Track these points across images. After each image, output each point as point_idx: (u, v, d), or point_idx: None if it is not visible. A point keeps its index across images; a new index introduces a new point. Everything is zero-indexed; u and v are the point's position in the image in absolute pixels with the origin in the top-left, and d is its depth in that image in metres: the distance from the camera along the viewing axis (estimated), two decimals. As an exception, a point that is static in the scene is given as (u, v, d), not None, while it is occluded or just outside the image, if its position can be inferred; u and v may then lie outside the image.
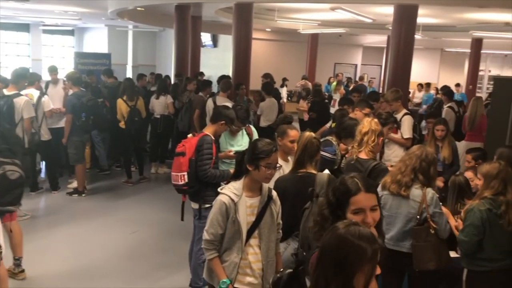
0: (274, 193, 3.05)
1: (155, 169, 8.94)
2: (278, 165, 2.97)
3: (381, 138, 4.07)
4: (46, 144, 7.08)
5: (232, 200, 2.87)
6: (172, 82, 10.96)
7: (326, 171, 3.44)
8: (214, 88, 10.06)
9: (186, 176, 4.15)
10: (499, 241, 3.24)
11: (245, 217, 2.89)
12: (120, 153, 8.77)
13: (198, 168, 4.17)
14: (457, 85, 15.99)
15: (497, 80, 6.83)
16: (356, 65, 23.12)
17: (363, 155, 3.96)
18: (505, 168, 3.29)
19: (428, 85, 16.12)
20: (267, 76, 9.45)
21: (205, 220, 4.26)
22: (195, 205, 4.36)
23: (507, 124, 6.10)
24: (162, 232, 6.08)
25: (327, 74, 19.49)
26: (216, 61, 17.96)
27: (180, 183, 4.18)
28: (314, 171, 3.38)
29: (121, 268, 5.09)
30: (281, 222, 3.13)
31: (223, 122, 4.39)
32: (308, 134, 3.49)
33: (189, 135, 4.42)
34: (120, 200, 7.36)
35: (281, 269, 2.78)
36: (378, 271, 1.76)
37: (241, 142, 4.90)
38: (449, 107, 8.55)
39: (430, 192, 3.40)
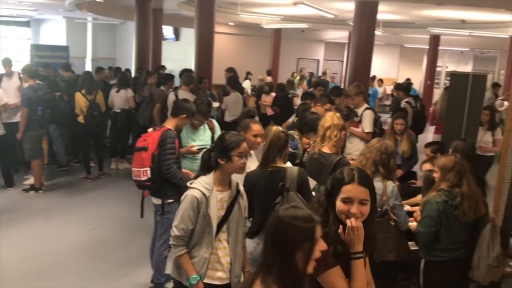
0: (241, 187, 3.04)
1: (115, 164, 8.77)
2: (248, 154, 2.98)
3: (343, 132, 4.13)
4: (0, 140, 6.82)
5: (204, 194, 2.84)
6: (133, 75, 10.76)
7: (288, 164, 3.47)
8: (177, 82, 9.95)
9: (149, 172, 4.08)
10: (454, 231, 3.34)
11: (216, 212, 2.87)
12: (79, 148, 8.56)
13: (161, 163, 4.10)
14: (407, 79, 16.29)
15: (453, 76, 7.04)
16: (318, 61, 23.35)
17: (326, 149, 4.00)
18: (461, 161, 3.39)
19: (373, 78, 16.35)
20: (230, 70, 9.41)
21: (168, 215, 4.26)
22: (157, 201, 4.29)
23: (463, 118, 6.30)
24: (123, 228, 5.97)
25: (290, 69, 19.59)
26: (178, 54, 17.73)
27: (143, 178, 4.11)
28: (283, 165, 3.38)
29: (82, 266, 4.97)
30: (247, 216, 3.11)
31: (184, 115, 4.33)
32: (276, 128, 3.47)
33: (150, 130, 4.34)
34: (79, 196, 7.17)
35: None
36: (323, 246, 1.86)
37: (203, 137, 4.85)
38: (407, 102, 8.84)
39: (390, 185, 3.48)
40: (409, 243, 3.74)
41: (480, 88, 6.55)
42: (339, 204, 2.05)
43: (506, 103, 10.33)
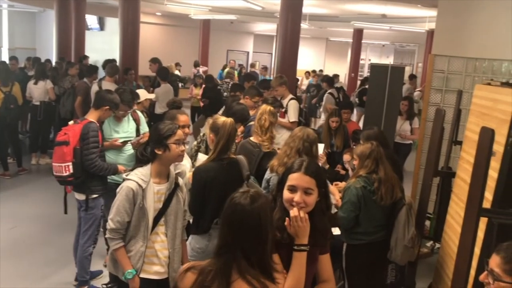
0: (181, 180, 3.00)
1: (35, 160, 8.35)
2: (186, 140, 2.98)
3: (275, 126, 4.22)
4: None
5: (140, 186, 2.78)
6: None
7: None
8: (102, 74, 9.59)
9: (70, 167, 3.94)
10: (373, 216, 3.51)
11: (152, 204, 2.81)
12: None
13: (84, 157, 3.97)
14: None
15: (373, 67, 7.35)
16: (248, 53, 23.49)
17: (254, 140, 4.08)
18: (377, 148, 3.57)
19: (313, 72, 16.87)
20: (155, 60, 9.18)
21: (92, 211, 4.16)
22: (80, 196, 4.16)
23: (383, 108, 6.60)
24: (45, 226, 5.71)
25: (220, 60, 19.56)
26: (103, 45, 17.15)
27: (64, 174, 3.96)
28: (233, 156, 3.37)
29: (0, 267, 4.69)
30: (187, 209, 3.08)
31: (106, 107, 4.19)
32: (231, 120, 3.39)
33: (70, 123, 4.16)
34: (-4, 194, 6.76)
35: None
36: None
37: (127, 128, 4.70)
38: (329, 93, 9.22)
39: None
40: (332, 228, 3.88)
41: (399, 80, 6.89)
42: (285, 193, 2.07)
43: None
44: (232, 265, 1.74)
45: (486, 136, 2.87)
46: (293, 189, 2.05)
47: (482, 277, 1.82)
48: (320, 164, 5.09)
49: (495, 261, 1.76)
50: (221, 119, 3.43)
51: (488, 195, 3.09)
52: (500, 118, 3.29)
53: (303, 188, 2.04)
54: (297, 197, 2.03)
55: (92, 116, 4.15)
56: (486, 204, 3.06)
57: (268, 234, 1.82)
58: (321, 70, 17.78)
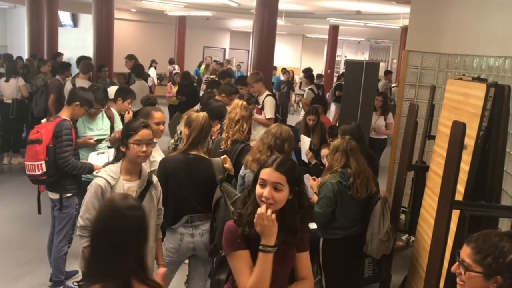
0: (155, 178, 2.96)
1: (7, 159, 8.16)
2: (153, 141, 2.88)
3: (250, 121, 4.18)
4: None
5: (109, 183, 2.76)
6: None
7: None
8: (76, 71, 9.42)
9: (44, 165, 3.87)
10: (349, 210, 3.55)
11: None
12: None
13: (57, 156, 3.90)
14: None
15: (348, 63, 7.43)
16: (224, 49, 23.41)
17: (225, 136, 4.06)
18: (348, 142, 3.60)
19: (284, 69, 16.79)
20: (131, 57, 9.06)
21: (66, 210, 4.10)
22: (54, 195, 4.09)
23: (358, 103, 6.67)
24: (17, 226, 5.59)
25: (196, 57, 19.48)
26: (77, 42, 16.88)
27: (37, 173, 3.88)
28: (204, 155, 3.32)
29: (-30, 270, 4.59)
30: (162, 208, 3.05)
31: (77, 103, 4.11)
32: (204, 114, 3.39)
33: (43, 121, 4.09)
34: (-34, 195, 6.59)
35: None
36: None
37: (101, 126, 4.64)
38: (310, 89, 9.26)
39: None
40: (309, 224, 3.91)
41: (373, 75, 6.98)
42: (257, 188, 2.06)
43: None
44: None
45: (458, 129, 2.92)
46: (263, 184, 2.04)
47: (454, 268, 1.85)
48: (306, 159, 5.14)
49: (465, 252, 1.80)
50: (200, 114, 3.43)
51: (460, 187, 3.15)
52: (471, 112, 3.36)
53: (272, 183, 2.02)
54: (265, 192, 2.01)
55: (65, 114, 4.08)
56: (458, 196, 3.12)
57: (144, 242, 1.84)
58: (285, 68, 17.56)
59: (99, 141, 4.50)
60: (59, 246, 4.14)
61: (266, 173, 2.05)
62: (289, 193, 2.06)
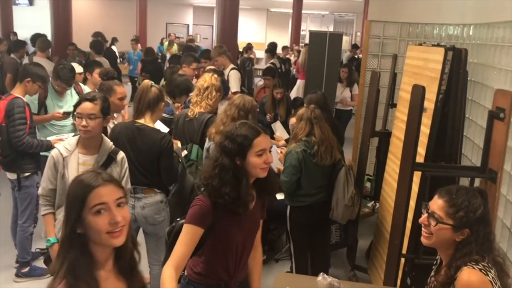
0: (120, 155, 2.89)
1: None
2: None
3: (219, 93, 4.10)
4: None
5: (61, 154, 2.76)
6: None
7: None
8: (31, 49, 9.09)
9: None
10: (314, 178, 3.60)
11: (75, 174, 2.69)
12: None
13: (11, 135, 3.78)
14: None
15: (312, 34, 7.41)
16: (188, 25, 23.02)
17: (198, 109, 3.97)
18: (312, 110, 3.62)
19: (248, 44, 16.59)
20: (97, 35, 8.83)
21: (26, 190, 4.01)
22: (12, 176, 3.99)
23: (323, 74, 6.71)
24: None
25: (159, 34, 19.07)
26: (33, 21, 16.17)
27: None
28: (151, 124, 3.29)
29: None
30: (129, 186, 3.00)
31: (28, 79, 3.96)
32: (146, 82, 3.40)
33: (-4, 100, 3.93)
34: None
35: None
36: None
37: (71, 103, 4.48)
38: (271, 63, 9.30)
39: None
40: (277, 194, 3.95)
41: (337, 46, 7.00)
42: (254, 160, 2.07)
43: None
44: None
45: (417, 93, 2.98)
46: (262, 153, 2.09)
47: (422, 219, 1.90)
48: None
49: (437, 204, 1.85)
50: (144, 82, 3.45)
51: (421, 150, 3.23)
52: (430, 76, 3.42)
53: (269, 148, 2.14)
54: (270, 158, 2.11)
55: (17, 91, 3.94)
56: (420, 159, 3.20)
57: None
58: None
59: (67, 113, 4.36)
60: (24, 227, 4.06)
61: (262, 141, 2.09)
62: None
